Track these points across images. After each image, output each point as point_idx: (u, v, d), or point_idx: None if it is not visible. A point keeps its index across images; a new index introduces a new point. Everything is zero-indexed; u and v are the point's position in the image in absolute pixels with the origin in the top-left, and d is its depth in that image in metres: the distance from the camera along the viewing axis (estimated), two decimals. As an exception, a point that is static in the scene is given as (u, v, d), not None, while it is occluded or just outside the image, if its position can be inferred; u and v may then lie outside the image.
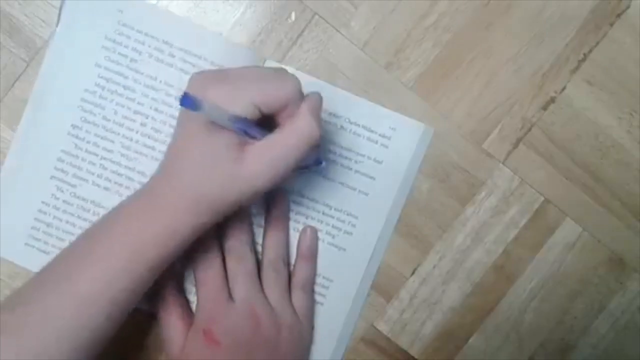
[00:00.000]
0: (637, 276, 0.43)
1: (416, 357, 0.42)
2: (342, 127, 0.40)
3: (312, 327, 0.40)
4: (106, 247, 0.32)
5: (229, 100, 0.30)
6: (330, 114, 0.40)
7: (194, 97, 0.28)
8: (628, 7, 0.41)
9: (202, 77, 0.32)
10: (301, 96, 0.33)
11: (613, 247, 0.43)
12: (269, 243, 0.39)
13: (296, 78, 0.33)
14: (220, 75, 0.32)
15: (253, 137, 0.32)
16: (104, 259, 0.32)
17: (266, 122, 0.32)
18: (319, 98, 0.34)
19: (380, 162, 0.40)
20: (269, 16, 0.40)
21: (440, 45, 0.40)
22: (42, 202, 0.39)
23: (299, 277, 0.40)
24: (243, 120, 0.31)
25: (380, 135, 0.40)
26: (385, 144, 0.40)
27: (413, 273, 0.42)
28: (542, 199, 0.42)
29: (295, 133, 0.32)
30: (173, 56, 0.38)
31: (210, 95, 0.30)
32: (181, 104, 0.27)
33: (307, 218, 0.40)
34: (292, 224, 0.40)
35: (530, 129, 0.41)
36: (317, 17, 0.40)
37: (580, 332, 0.43)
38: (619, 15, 0.41)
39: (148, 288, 0.33)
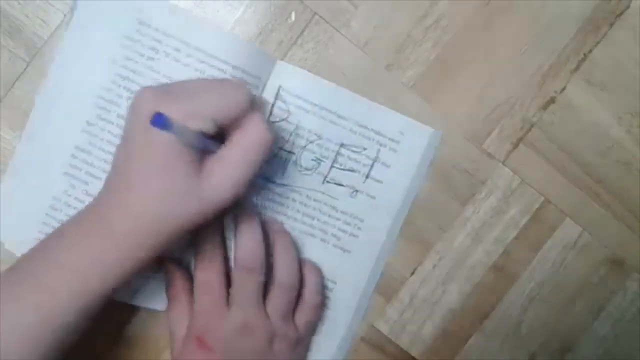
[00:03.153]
0: (637, 276, 0.43)
1: (416, 357, 0.42)
2: (351, 129, 0.40)
3: (310, 341, 0.40)
4: (49, 278, 0.31)
5: (188, 118, 0.29)
6: (338, 116, 0.39)
7: (166, 117, 0.26)
8: (628, 7, 0.41)
9: (152, 94, 0.30)
10: (251, 103, 0.32)
11: (613, 247, 0.43)
12: (278, 263, 0.38)
13: (245, 85, 0.32)
14: (168, 91, 0.31)
15: (209, 151, 0.31)
16: (48, 290, 0.30)
17: (216, 133, 0.32)
18: (262, 100, 0.33)
19: (388, 166, 0.40)
20: (269, 16, 0.40)
21: (440, 45, 0.40)
22: (54, 198, 0.38)
23: (308, 297, 0.39)
24: (204, 136, 0.30)
25: (389, 139, 0.40)
26: (394, 148, 0.40)
27: (413, 273, 0.42)
28: (542, 199, 0.42)
29: (251, 140, 0.31)
30: (190, 56, 0.38)
31: (167, 113, 0.28)
32: (152, 124, 0.26)
33: (313, 219, 0.40)
34: (299, 225, 0.40)
35: (530, 129, 0.41)
36: (317, 17, 0.40)
37: (580, 332, 0.43)
38: (619, 15, 0.41)
39: (98, 313, 0.32)
